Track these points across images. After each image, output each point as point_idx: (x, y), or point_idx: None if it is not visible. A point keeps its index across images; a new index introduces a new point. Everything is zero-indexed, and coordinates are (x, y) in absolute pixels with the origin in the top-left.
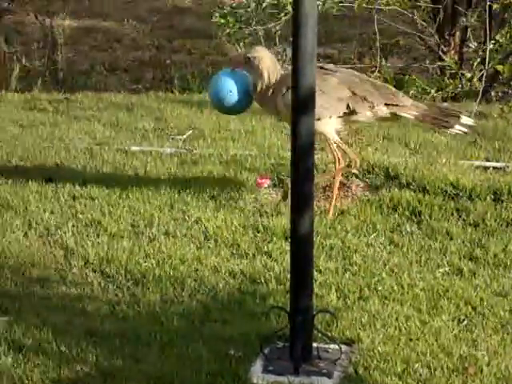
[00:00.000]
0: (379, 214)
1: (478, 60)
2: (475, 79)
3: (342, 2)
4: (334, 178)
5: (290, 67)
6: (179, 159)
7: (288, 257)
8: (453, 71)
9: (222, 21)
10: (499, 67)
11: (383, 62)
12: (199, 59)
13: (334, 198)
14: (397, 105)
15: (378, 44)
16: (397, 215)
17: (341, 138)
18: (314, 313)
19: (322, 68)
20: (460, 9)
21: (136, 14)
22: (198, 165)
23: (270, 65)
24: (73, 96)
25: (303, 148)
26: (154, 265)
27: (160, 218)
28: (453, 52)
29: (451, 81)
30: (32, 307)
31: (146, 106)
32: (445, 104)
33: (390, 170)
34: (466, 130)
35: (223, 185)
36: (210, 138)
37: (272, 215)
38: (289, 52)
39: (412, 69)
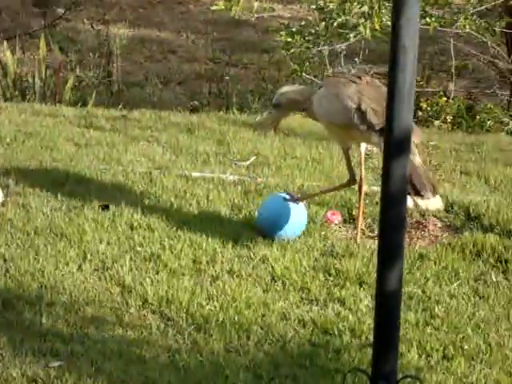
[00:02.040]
0: (461, 259)
1: None
2: None
3: None
4: (360, 199)
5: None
6: (243, 188)
7: (363, 305)
8: None
9: (289, 39)
10: None
11: (451, 87)
12: (255, 73)
13: (360, 220)
14: None
15: (452, 69)
16: (481, 262)
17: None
18: (399, 378)
19: (359, 78)
20: None
21: (192, 25)
22: (262, 195)
23: (296, 89)
24: (130, 113)
25: (395, 195)
26: (218, 308)
27: (224, 255)
28: None
29: None
30: (86, 351)
31: (206, 127)
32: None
33: (470, 210)
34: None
35: None
36: (275, 166)
37: (344, 256)
38: (353, 71)
39: (479, 93)
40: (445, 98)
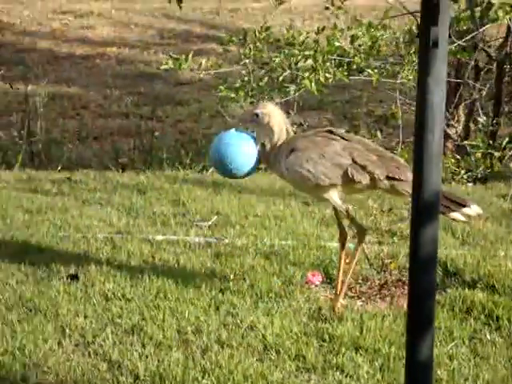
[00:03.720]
0: (452, 318)
1: (507, 139)
2: (506, 159)
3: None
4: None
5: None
6: (212, 250)
7: (363, 372)
8: (481, 150)
9: (233, 95)
10: None
11: (378, 135)
12: (172, 126)
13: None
14: (398, 179)
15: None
16: (472, 320)
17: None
18: None
19: (330, 132)
20: (466, 81)
21: (100, 79)
22: (235, 257)
23: (280, 121)
24: (73, 175)
25: (424, 260)
26: (215, 382)
27: (208, 324)
28: (457, 125)
29: (481, 161)
30: None
31: (157, 187)
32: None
33: (448, 265)
34: (463, 219)
35: (268, 281)
36: (239, 225)
37: (333, 320)
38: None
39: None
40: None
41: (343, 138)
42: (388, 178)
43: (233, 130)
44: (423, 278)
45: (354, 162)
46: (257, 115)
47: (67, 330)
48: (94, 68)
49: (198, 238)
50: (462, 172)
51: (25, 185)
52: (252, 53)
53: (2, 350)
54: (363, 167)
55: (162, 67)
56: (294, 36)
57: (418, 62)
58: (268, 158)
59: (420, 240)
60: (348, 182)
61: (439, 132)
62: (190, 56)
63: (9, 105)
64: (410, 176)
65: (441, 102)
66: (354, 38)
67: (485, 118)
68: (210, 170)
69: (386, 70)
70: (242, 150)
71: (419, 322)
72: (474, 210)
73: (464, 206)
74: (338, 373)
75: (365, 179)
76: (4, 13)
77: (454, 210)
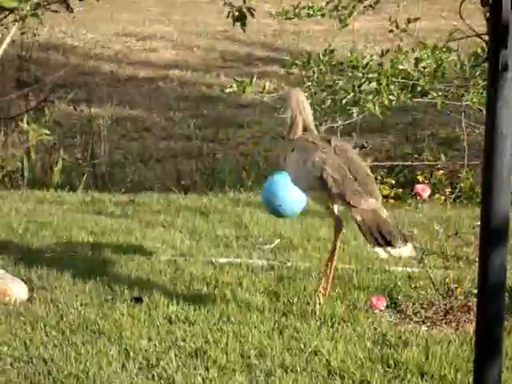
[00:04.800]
0: None
1: None
2: None
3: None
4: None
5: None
6: (275, 273)
7: None
8: None
9: None
10: None
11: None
12: (233, 149)
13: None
14: (350, 204)
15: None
16: None
17: None
18: None
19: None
20: None
21: (163, 102)
22: (297, 280)
23: (295, 106)
24: (137, 197)
25: (493, 287)
26: None
27: (272, 348)
28: None
29: None
30: None
31: (220, 209)
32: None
33: None
34: (383, 257)
35: (332, 306)
36: (302, 249)
37: (397, 345)
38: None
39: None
40: (442, 171)
41: (334, 151)
42: (343, 199)
43: (282, 175)
44: (491, 304)
45: (321, 175)
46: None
47: (131, 353)
48: (157, 90)
49: (261, 261)
50: None
51: (88, 207)
52: (316, 75)
53: (66, 373)
54: (324, 182)
55: (227, 90)
56: (357, 59)
57: (486, 86)
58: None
59: (488, 266)
60: (319, 191)
61: (508, 157)
62: (254, 79)
63: (73, 127)
64: (364, 204)
65: (510, 127)
66: (418, 61)
67: None
68: None
69: (450, 92)
70: (290, 194)
71: (487, 349)
72: (401, 251)
73: (390, 245)
74: None
75: (325, 191)
76: (68, 35)
77: (380, 245)
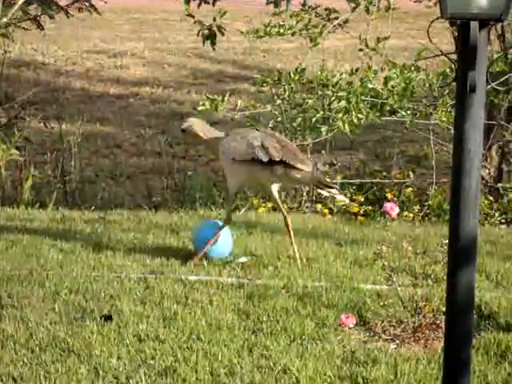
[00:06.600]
0: (487, 362)
1: None
2: None
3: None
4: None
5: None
6: (244, 291)
7: None
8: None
9: None
10: None
11: (411, 176)
12: (204, 165)
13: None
14: (291, 165)
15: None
16: (507, 364)
17: None
18: None
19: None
20: (499, 122)
21: (134, 119)
22: (267, 298)
23: (202, 127)
24: (107, 215)
25: (461, 305)
26: None
27: (241, 366)
28: (489, 166)
29: None
30: None
31: (190, 226)
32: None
33: (482, 308)
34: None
35: (302, 323)
36: (272, 266)
37: (366, 363)
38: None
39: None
40: (410, 188)
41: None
42: (283, 163)
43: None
44: (460, 322)
45: (262, 144)
46: (184, 130)
47: (100, 372)
48: (128, 107)
49: (231, 279)
50: (496, 214)
51: (59, 224)
52: (286, 93)
53: None
54: (266, 148)
55: (199, 108)
56: (327, 77)
57: (454, 107)
58: (208, 146)
59: (457, 284)
60: (253, 159)
61: (476, 177)
62: (227, 97)
63: (43, 144)
64: (302, 166)
65: (478, 147)
66: (387, 80)
67: None
68: (243, 210)
69: (419, 111)
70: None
71: (455, 366)
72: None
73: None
74: None
75: (265, 158)
76: (39, 53)
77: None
